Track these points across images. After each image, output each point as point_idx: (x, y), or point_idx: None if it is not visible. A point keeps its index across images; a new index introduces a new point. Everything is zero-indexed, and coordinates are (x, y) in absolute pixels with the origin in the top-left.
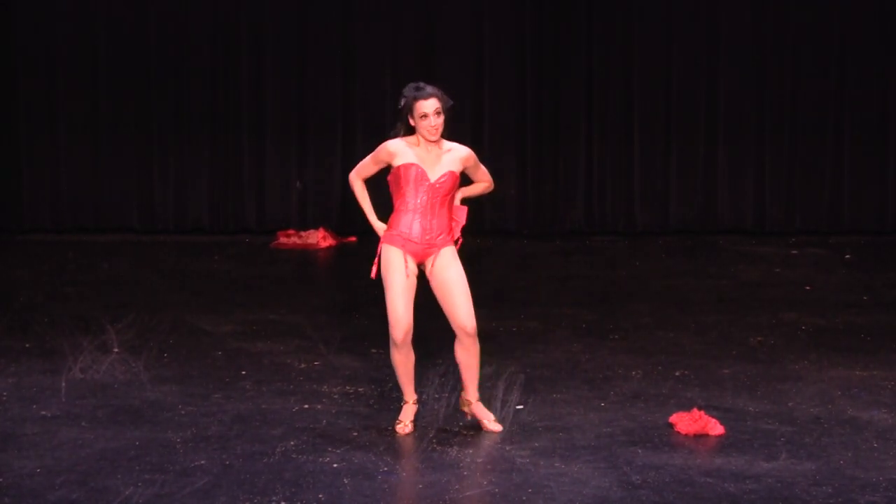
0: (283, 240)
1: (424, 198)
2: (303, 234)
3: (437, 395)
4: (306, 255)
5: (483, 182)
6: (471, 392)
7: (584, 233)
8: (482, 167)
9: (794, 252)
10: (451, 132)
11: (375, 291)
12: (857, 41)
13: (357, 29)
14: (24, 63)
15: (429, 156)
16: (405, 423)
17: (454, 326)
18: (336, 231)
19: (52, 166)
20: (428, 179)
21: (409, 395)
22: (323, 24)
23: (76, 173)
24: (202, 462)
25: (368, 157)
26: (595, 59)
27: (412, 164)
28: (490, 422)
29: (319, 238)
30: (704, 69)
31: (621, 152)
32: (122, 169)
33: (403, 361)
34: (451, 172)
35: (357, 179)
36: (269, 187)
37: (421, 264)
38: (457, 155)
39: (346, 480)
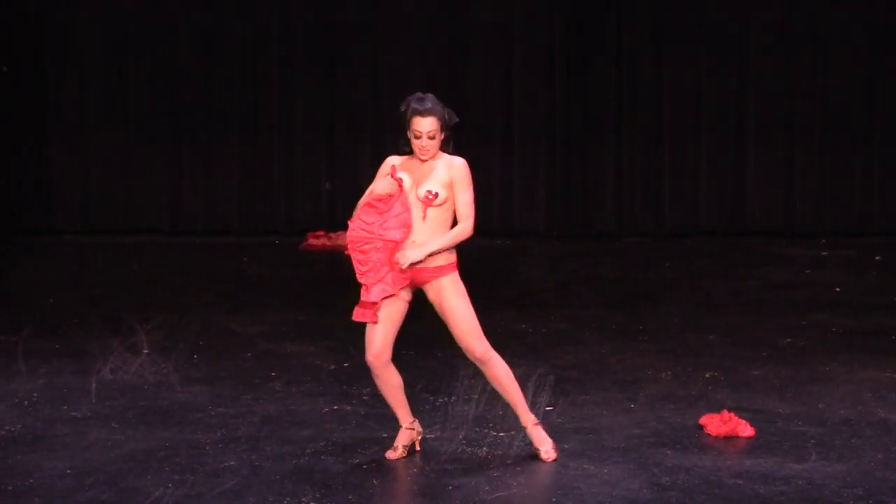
0: (312, 241)
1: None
2: (332, 235)
3: (466, 397)
4: (335, 256)
5: (459, 221)
6: (521, 417)
7: (613, 234)
8: (468, 194)
9: (824, 253)
10: (482, 135)
11: None
12: (887, 42)
13: (386, 29)
14: (54, 65)
15: (421, 170)
16: (398, 447)
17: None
18: None
19: (82, 168)
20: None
21: (402, 419)
22: (352, 26)
23: (106, 175)
24: (231, 463)
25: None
26: (624, 61)
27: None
28: (546, 450)
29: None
30: (734, 70)
31: (651, 153)
32: (152, 170)
33: (382, 386)
34: (434, 193)
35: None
36: (299, 189)
37: (419, 289)
38: (447, 163)
39: (375, 482)
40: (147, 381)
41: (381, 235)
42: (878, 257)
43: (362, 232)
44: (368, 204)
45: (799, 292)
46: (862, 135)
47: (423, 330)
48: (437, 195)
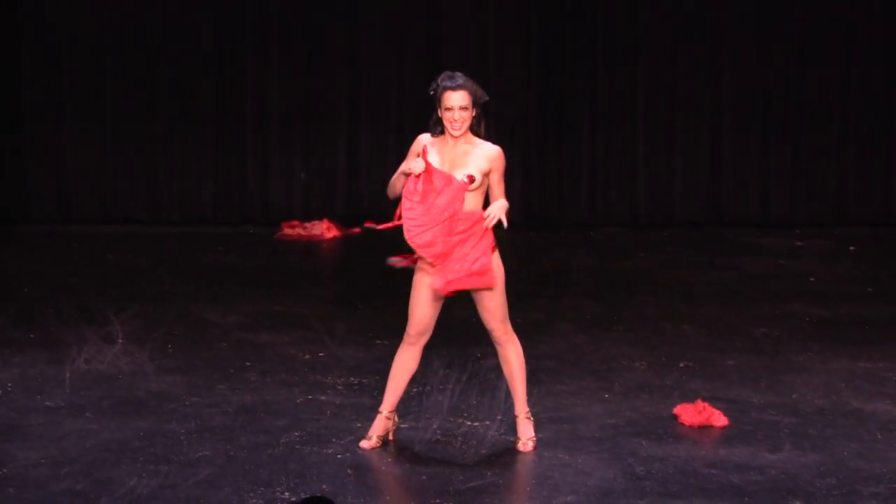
0: (287, 231)
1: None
2: (307, 225)
3: (440, 387)
4: (311, 246)
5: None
6: (517, 405)
7: (588, 224)
8: (504, 184)
9: (799, 244)
10: None
11: (379, 282)
12: (863, 33)
13: (362, 20)
14: (29, 54)
15: (454, 152)
16: (373, 436)
17: None
18: (340, 222)
19: (57, 157)
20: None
21: (388, 405)
22: (328, 15)
23: (81, 164)
24: (206, 453)
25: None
26: (600, 49)
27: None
28: (524, 441)
29: (323, 229)
30: (710, 61)
31: (626, 144)
32: (127, 160)
33: (400, 364)
34: (471, 177)
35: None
36: (274, 178)
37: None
38: (485, 152)
39: (349, 471)
40: (122, 371)
41: (436, 218)
42: (852, 248)
43: (417, 229)
44: (405, 209)
45: (774, 283)
46: (836, 126)
47: (396, 320)
48: (473, 179)
